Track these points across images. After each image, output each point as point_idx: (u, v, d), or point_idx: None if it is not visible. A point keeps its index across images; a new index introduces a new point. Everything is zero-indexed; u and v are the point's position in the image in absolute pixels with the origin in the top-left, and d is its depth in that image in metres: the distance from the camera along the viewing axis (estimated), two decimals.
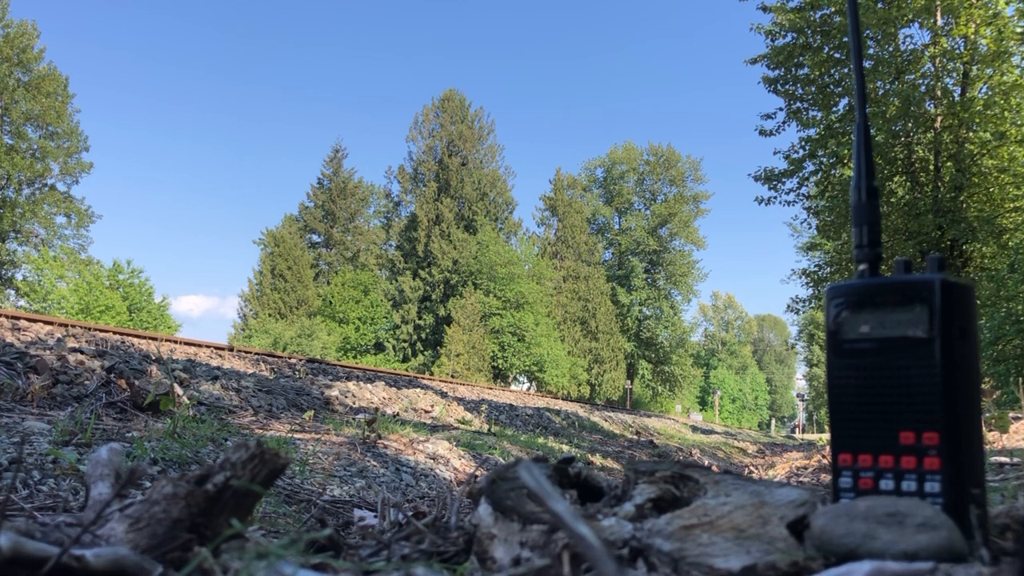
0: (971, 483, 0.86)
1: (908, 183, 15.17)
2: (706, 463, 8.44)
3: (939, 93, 13.98)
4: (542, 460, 1.14)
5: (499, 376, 39.38)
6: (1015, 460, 2.78)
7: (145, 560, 0.81)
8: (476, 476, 3.07)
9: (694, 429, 23.56)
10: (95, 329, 9.41)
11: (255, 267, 44.99)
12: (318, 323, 38.18)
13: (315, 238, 48.53)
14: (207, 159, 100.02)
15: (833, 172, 16.06)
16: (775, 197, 17.04)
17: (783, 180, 16.73)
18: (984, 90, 13.79)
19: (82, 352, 4.74)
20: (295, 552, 0.76)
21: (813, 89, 15.88)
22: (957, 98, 13.89)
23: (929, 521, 0.77)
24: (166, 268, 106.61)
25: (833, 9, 14.62)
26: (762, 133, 16.83)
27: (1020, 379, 8.02)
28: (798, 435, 49.04)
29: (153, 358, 5.63)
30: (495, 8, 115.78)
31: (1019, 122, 13.05)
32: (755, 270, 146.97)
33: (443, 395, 10.89)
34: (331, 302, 41.24)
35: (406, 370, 30.62)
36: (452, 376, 32.85)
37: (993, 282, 12.06)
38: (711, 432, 23.79)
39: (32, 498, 1.72)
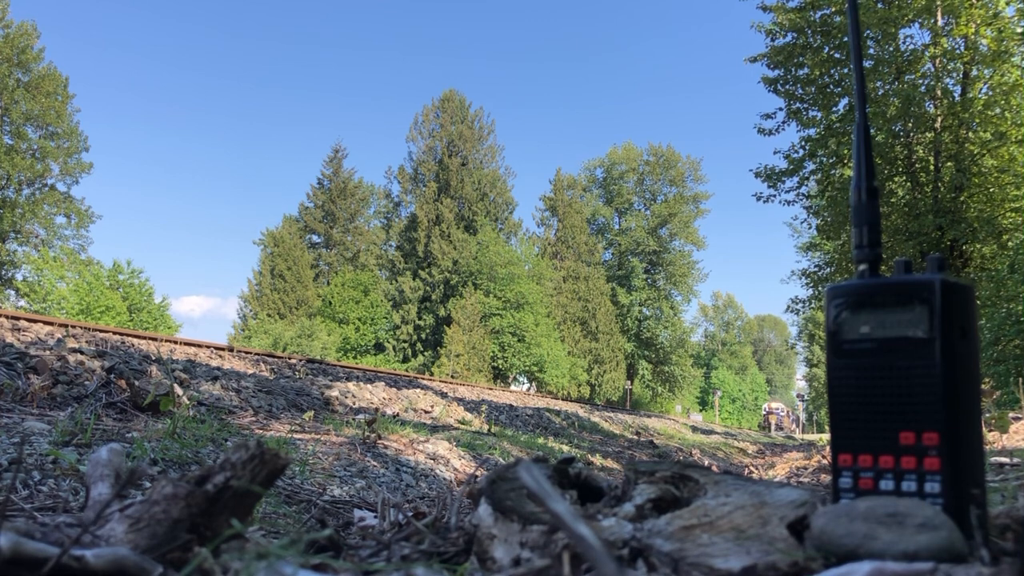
0: (971, 483, 0.86)
1: (908, 183, 15.16)
2: (706, 463, 8.44)
3: (939, 93, 13.98)
4: (542, 460, 1.14)
5: (499, 376, 39.37)
6: (1015, 460, 2.78)
7: (145, 560, 0.81)
8: (476, 476, 3.07)
9: (694, 429, 23.55)
10: (95, 329, 9.41)
11: (255, 267, 44.99)
12: (318, 323, 38.16)
13: (315, 238, 48.51)
14: (207, 159, 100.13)
15: (833, 172, 16.06)
16: (775, 195, 17.06)
17: (783, 179, 16.74)
18: (984, 90, 13.78)
19: (82, 352, 4.74)
20: (295, 552, 0.76)
21: (813, 89, 15.88)
22: (957, 98, 13.89)
23: (929, 521, 0.77)
24: (167, 268, 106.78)
25: (833, 9, 14.62)
26: (761, 132, 16.84)
27: (1020, 379, 8.02)
28: (798, 435, 48.55)
29: (153, 358, 5.63)
30: (495, 8, 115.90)
31: (1019, 122, 13.04)
32: (755, 270, 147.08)
33: (443, 395, 10.89)
34: (331, 302, 41.22)
35: (406, 370, 30.62)
36: (452, 376, 32.84)
37: (993, 282, 12.04)
38: (711, 432, 23.78)
39: (32, 498, 1.72)
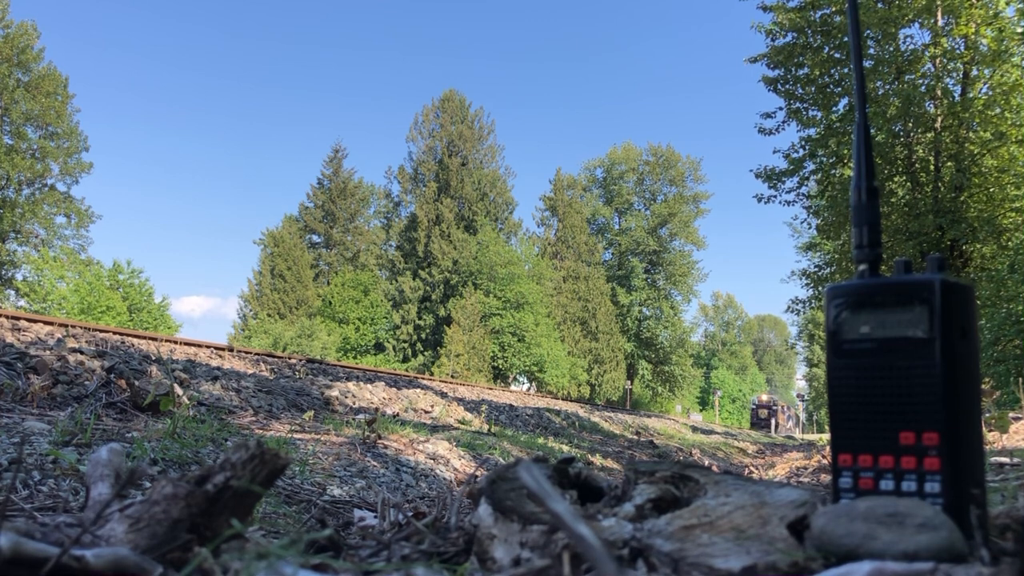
0: (971, 483, 0.86)
1: (908, 183, 15.16)
2: (706, 463, 8.44)
3: (939, 93, 13.97)
4: (542, 460, 1.14)
5: (499, 376, 39.36)
6: (1015, 460, 2.78)
7: (145, 560, 0.81)
8: (476, 476, 3.07)
9: (694, 429, 23.54)
10: (95, 329, 9.40)
11: (255, 267, 45.00)
12: (318, 323, 38.17)
13: (315, 238, 48.52)
14: (207, 159, 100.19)
15: (833, 172, 16.06)
16: (775, 196, 17.06)
17: (783, 179, 16.74)
18: (984, 90, 13.78)
19: (82, 352, 4.74)
20: (295, 552, 0.76)
21: (813, 89, 15.88)
22: (957, 98, 13.88)
23: (929, 521, 0.77)
24: (167, 268, 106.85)
25: (833, 9, 14.62)
26: (762, 132, 16.83)
27: (1020, 379, 8.02)
28: (797, 435, 48.19)
29: (153, 358, 5.63)
30: (495, 8, 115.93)
31: (1019, 122, 13.05)
32: (755, 270, 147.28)
33: (443, 395, 10.88)
34: (331, 302, 41.22)
35: (406, 370, 30.61)
36: (452, 376, 32.83)
37: (993, 282, 12.05)
38: (711, 432, 23.77)
39: (32, 498, 1.72)
